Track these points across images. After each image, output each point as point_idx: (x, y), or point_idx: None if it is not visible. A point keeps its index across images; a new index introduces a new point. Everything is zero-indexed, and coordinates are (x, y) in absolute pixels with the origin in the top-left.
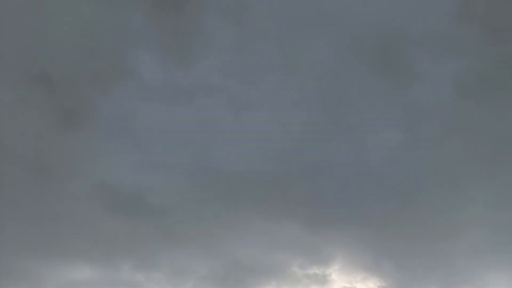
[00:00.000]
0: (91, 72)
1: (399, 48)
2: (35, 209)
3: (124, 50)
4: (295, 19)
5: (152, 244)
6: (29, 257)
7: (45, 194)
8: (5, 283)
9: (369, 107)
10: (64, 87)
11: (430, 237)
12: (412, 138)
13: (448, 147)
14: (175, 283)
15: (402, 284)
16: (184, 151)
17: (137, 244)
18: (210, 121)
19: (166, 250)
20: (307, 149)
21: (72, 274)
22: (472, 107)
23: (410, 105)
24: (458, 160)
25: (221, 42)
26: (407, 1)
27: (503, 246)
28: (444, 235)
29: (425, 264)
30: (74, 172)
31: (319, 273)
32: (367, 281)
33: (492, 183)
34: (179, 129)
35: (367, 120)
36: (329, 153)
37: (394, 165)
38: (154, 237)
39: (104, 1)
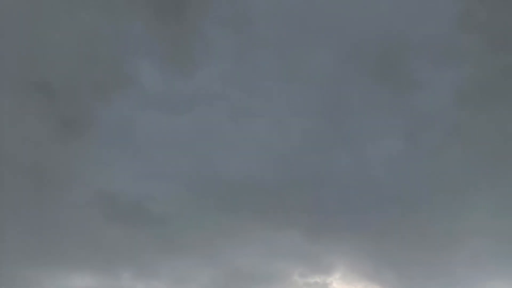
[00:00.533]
0: (91, 80)
1: (400, 56)
2: (35, 217)
3: (124, 58)
4: (296, 27)
5: (152, 253)
6: (29, 265)
7: (45, 202)
8: None
9: (369, 115)
10: (64, 95)
11: (431, 245)
12: (413, 146)
13: (449, 155)
14: None
15: None
16: (184, 159)
17: (137, 252)
18: (210, 129)
19: (166, 258)
20: (307, 157)
21: (72, 282)
22: (473, 115)
23: (410, 113)
24: (459, 168)
25: (221, 50)
26: (408, 8)
27: (504, 255)
28: (445, 243)
29: (426, 273)
30: (74, 180)
31: (320, 281)
32: None
33: (493, 191)
34: (179, 137)
35: (368, 128)
36: (329, 161)
37: (394, 173)
38: (154, 246)
39: (104, 9)
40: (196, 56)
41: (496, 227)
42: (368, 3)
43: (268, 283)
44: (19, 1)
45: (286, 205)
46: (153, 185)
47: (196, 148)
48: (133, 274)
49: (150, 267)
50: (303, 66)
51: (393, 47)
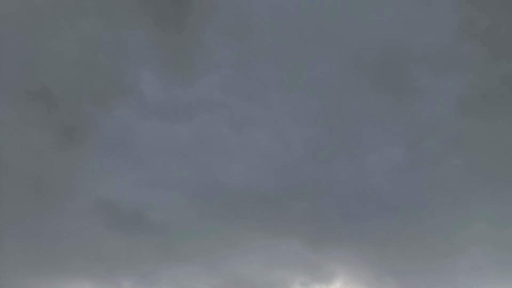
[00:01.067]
0: (91, 88)
1: (401, 65)
2: (35, 226)
3: (125, 67)
4: (297, 35)
5: (153, 261)
6: (29, 274)
7: (45, 211)
8: None
9: (370, 123)
10: (64, 104)
11: (432, 254)
12: (414, 154)
13: (451, 164)
14: None
15: None
16: (184, 168)
17: (138, 261)
18: (211, 138)
19: (167, 267)
20: (308, 165)
21: None
22: (474, 123)
23: (412, 122)
24: (461, 177)
25: (222, 59)
26: (409, 17)
27: (506, 264)
28: (447, 252)
29: (427, 281)
30: (74, 189)
31: None
32: None
33: (495, 200)
34: (180, 146)
35: (369, 137)
36: (330, 170)
37: (396, 182)
38: (155, 254)
39: (104, 18)
40: (197, 64)
41: (498, 236)
42: (369, 11)
43: None
44: (19, 9)
45: (287, 213)
46: (154, 194)
47: (197, 156)
48: (133, 282)
49: (150, 276)
50: (304, 74)
51: (394, 56)
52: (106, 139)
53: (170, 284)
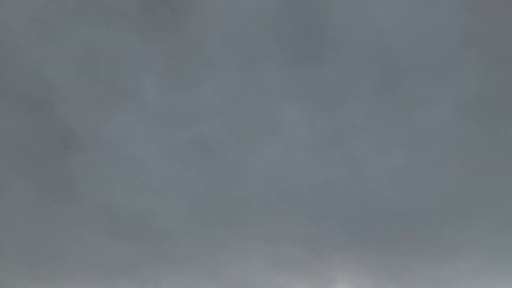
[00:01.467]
0: (92, 95)
1: (402, 71)
2: (35, 232)
3: (125, 73)
4: (298, 41)
5: (154, 267)
6: (30, 280)
7: (45, 217)
8: None
9: (371, 130)
10: (65, 110)
11: (433, 260)
12: (415, 161)
13: (452, 169)
14: None
15: None
16: (185, 174)
17: (138, 267)
18: (212, 144)
19: (168, 273)
20: (309, 171)
21: None
22: (475, 130)
23: (413, 128)
24: (462, 182)
25: (223, 65)
26: (410, 23)
27: (507, 268)
28: (448, 258)
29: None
30: (75, 195)
31: None
32: None
33: (496, 205)
34: (180, 152)
35: (370, 143)
36: (331, 176)
37: (397, 188)
38: (155, 260)
39: (105, 24)
40: (198, 70)
41: (500, 241)
42: (370, 17)
43: None
44: (20, 15)
45: (288, 219)
46: (154, 200)
47: (197, 163)
48: None
49: (151, 282)
50: (306, 81)
51: (395, 62)
52: (106, 145)
53: None
